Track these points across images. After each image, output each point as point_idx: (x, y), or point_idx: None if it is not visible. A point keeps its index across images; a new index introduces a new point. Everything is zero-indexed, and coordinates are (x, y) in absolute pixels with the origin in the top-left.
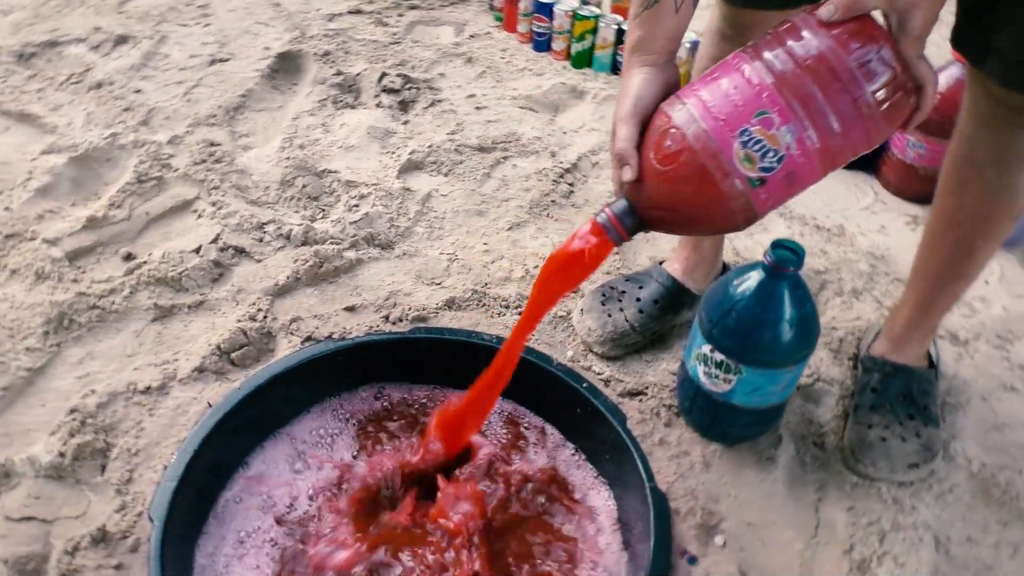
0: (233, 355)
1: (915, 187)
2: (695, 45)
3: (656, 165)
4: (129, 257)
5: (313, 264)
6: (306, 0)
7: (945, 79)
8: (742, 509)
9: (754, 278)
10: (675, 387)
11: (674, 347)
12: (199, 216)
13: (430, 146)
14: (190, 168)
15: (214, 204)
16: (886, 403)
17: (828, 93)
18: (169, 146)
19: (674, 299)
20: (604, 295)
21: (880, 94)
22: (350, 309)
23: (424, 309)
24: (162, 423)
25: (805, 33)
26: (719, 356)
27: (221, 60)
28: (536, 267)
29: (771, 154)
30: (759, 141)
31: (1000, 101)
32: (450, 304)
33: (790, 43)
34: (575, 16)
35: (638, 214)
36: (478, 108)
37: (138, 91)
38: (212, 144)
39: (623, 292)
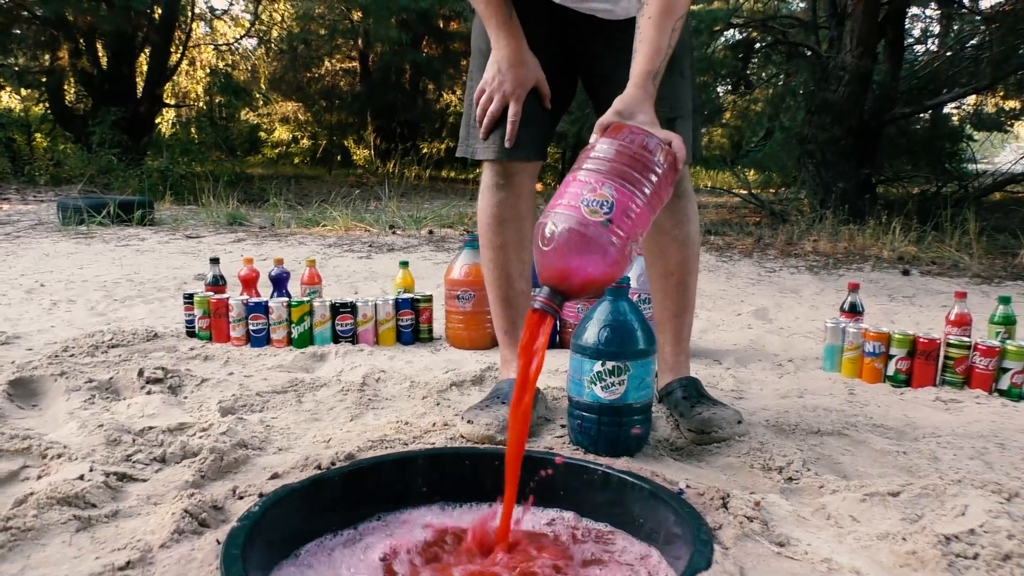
0: (202, 516)
1: None
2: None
3: (547, 250)
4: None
5: (213, 460)
6: None
7: None
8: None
9: (606, 304)
10: (571, 439)
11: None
12: (40, 477)
13: (233, 395)
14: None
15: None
16: (695, 398)
17: (623, 160)
18: None
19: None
20: (481, 405)
21: (651, 147)
22: (275, 476)
23: (352, 451)
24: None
25: (596, 145)
26: (610, 364)
27: None
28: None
29: (605, 203)
30: (593, 200)
31: None
32: (373, 445)
33: (591, 153)
34: (291, 304)
35: (557, 291)
36: (247, 377)
37: None
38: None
39: (493, 399)
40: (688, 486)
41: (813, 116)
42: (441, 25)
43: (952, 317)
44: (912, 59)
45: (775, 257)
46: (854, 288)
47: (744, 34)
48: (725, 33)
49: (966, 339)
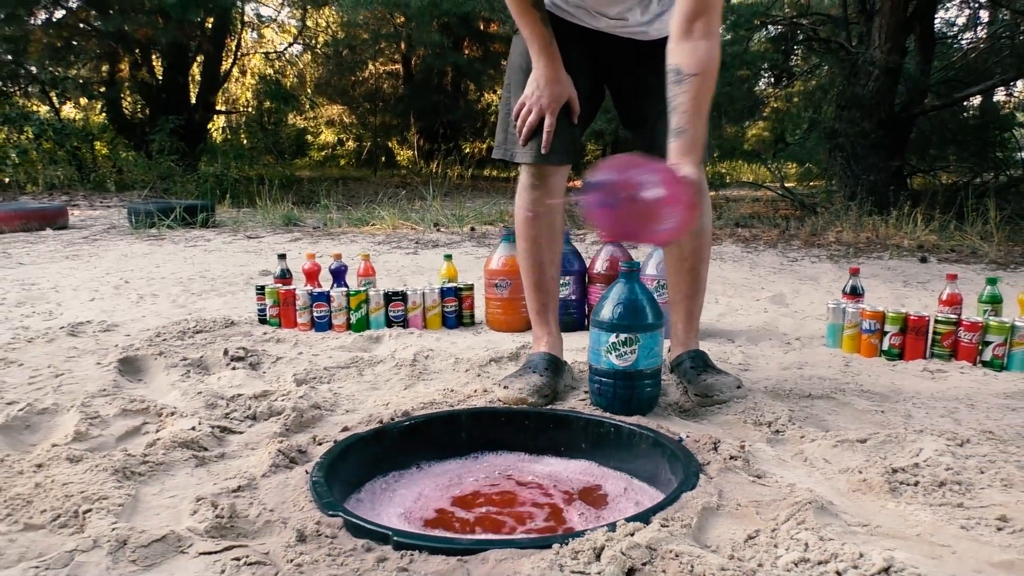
0: (292, 455)
1: None
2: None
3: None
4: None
5: (295, 417)
6: None
7: (605, 253)
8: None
9: (619, 285)
10: (591, 400)
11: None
12: (159, 430)
13: (304, 370)
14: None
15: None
16: (700, 367)
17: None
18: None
19: (555, 364)
20: (516, 374)
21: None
22: (346, 429)
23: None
24: (279, 496)
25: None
26: (623, 335)
27: None
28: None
29: None
30: None
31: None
32: (425, 406)
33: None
34: (349, 294)
35: None
36: (315, 356)
37: None
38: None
39: (525, 369)
40: (688, 435)
41: (843, 111)
42: (481, 27)
43: (944, 297)
44: (946, 51)
45: (799, 247)
46: (855, 272)
47: (786, 24)
48: (768, 26)
49: (952, 316)
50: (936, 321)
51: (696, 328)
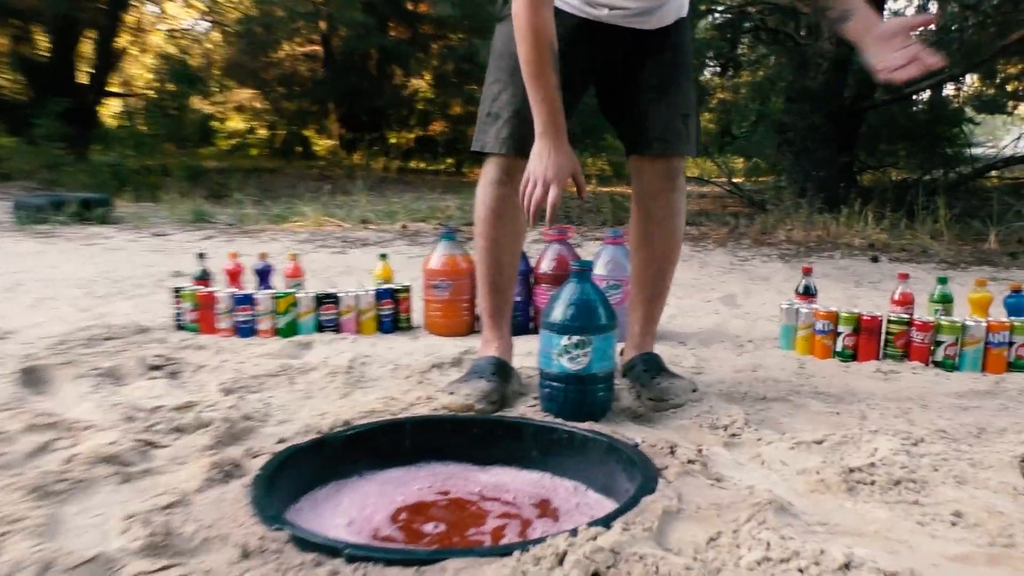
0: (226, 469)
1: None
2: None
3: None
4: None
5: (226, 429)
6: None
7: (552, 252)
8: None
9: (571, 284)
10: (541, 407)
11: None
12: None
13: (231, 378)
14: None
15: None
16: (655, 370)
17: None
18: None
19: (503, 369)
20: (462, 380)
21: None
22: (282, 441)
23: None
24: (216, 511)
25: None
26: (576, 338)
27: None
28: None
29: None
30: None
31: (660, 174)
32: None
33: None
34: (276, 296)
35: None
36: (241, 363)
37: None
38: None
39: (472, 374)
40: (643, 440)
41: (792, 103)
42: (409, 7)
43: (896, 297)
44: None
45: (749, 246)
46: (807, 272)
47: (733, 12)
48: (714, 13)
49: (905, 316)
50: (889, 321)
51: (653, 332)
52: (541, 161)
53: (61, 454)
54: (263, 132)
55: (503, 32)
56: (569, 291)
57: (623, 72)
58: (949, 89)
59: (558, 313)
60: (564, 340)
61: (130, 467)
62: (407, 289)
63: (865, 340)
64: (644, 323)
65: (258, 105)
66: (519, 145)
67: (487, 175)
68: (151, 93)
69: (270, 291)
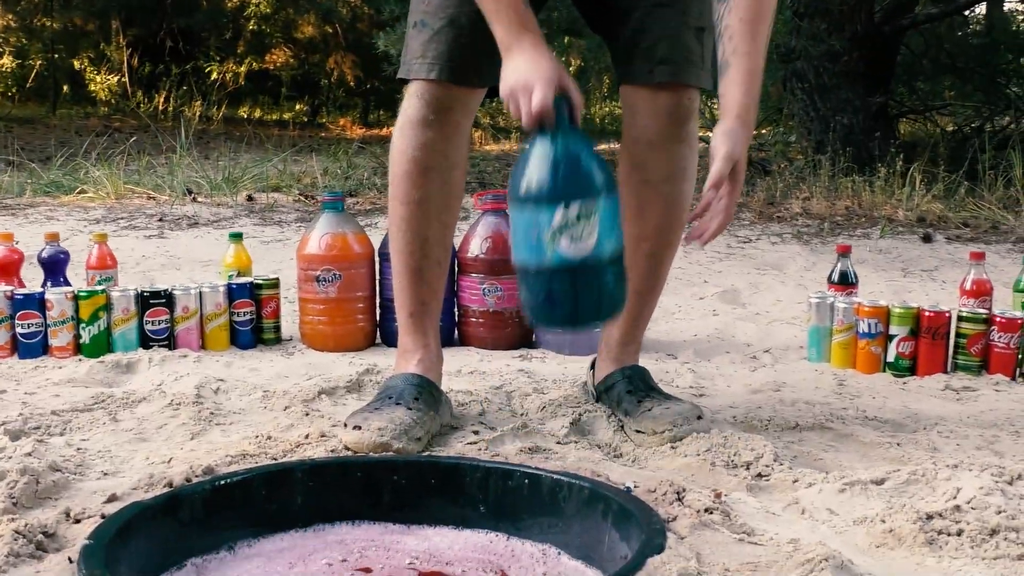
0: (37, 539)
1: (511, 333)
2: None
3: None
4: None
5: (26, 484)
6: None
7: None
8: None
9: (542, 142)
10: (537, 320)
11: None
12: None
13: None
14: None
15: None
16: (642, 391)
17: None
18: None
19: (429, 392)
20: (370, 408)
21: None
22: (114, 499)
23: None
24: None
25: None
26: (575, 208)
27: None
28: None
29: None
30: None
31: (663, 114)
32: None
33: None
34: (78, 296)
35: None
36: (30, 394)
37: None
38: None
39: (384, 400)
40: (636, 484)
41: (802, 21)
42: None
43: (968, 286)
44: None
45: (751, 222)
46: (844, 252)
47: None
48: None
49: (981, 311)
50: (959, 319)
51: (638, 340)
52: (516, 71)
53: None
54: (8, 63)
55: None
56: (543, 149)
57: None
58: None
59: (539, 178)
60: (559, 214)
61: None
62: (274, 284)
63: (927, 346)
64: (627, 327)
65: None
66: (455, 68)
67: (407, 112)
68: None
69: (66, 288)
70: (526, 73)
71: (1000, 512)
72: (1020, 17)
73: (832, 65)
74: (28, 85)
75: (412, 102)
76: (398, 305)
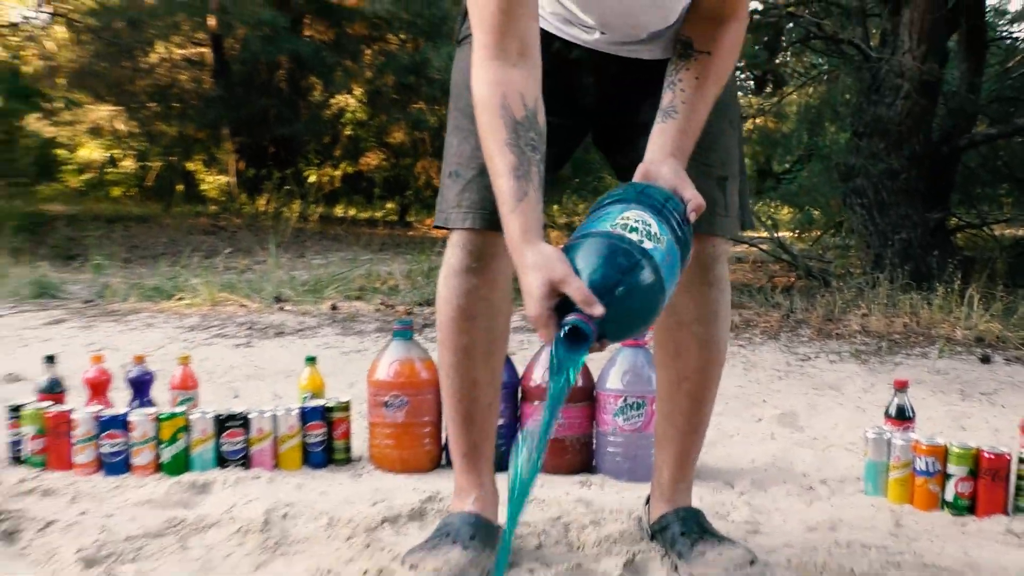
0: None
1: (571, 459)
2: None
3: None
4: None
5: None
6: None
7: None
8: None
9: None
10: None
11: None
12: None
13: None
14: None
15: None
16: (696, 534)
17: None
18: None
19: (485, 530)
20: (427, 546)
21: None
22: None
23: None
24: None
25: None
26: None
27: None
28: None
29: None
30: None
31: (693, 260)
32: None
33: None
34: (159, 418)
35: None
36: (108, 516)
37: None
38: None
39: (441, 537)
40: None
41: (861, 140)
42: (333, 0)
43: None
44: (1001, 54)
45: (810, 339)
46: (901, 387)
47: (774, 13)
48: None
49: None
50: (1021, 460)
51: (690, 478)
52: (519, 274)
53: None
54: (129, 164)
55: (462, 60)
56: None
57: (625, 109)
58: None
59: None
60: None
61: None
62: (346, 407)
63: (987, 487)
64: (677, 466)
65: (121, 127)
66: (490, 215)
67: (450, 261)
68: None
69: (150, 410)
70: (522, 284)
71: None
72: None
73: (891, 183)
74: (147, 185)
75: (454, 251)
76: (452, 447)
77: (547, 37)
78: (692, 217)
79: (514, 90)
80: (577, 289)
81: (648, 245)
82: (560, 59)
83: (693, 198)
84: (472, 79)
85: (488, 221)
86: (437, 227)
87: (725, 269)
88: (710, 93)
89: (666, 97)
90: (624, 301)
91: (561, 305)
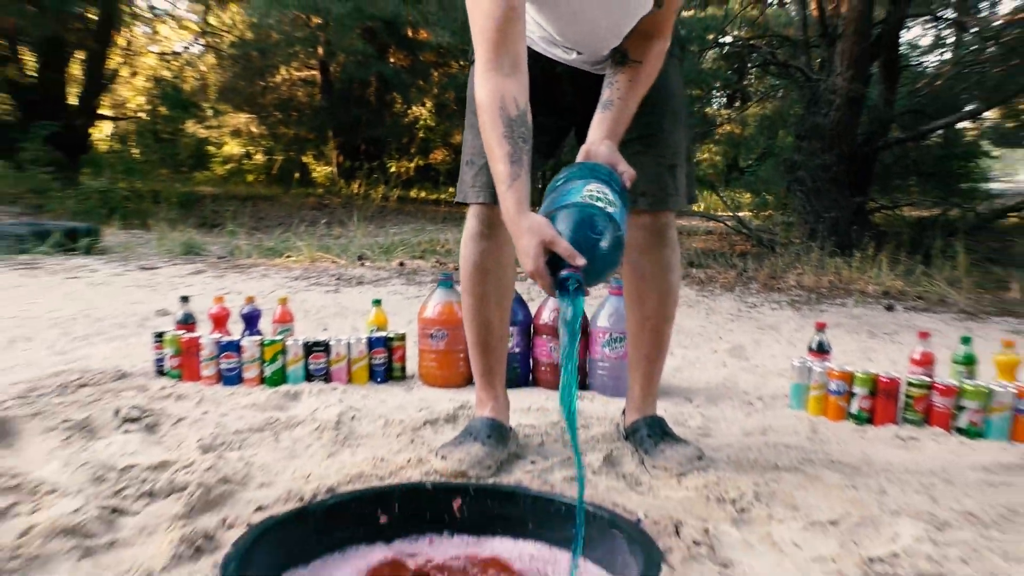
0: (197, 543)
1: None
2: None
3: None
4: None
5: (200, 495)
6: None
7: (555, 302)
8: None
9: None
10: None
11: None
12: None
13: (211, 433)
14: None
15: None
16: (658, 436)
17: None
18: None
19: (499, 431)
20: (455, 442)
21: None
22: (260, 509)
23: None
24: None
25: None
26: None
27: None
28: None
29: None
30: None
31: (647, 230)
32: (352, 480)
33: None
34: (263, 343)
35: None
36: (223, 415)
37: None
38: None
39: (466, 436)
40: (646, 515)
41: (803, 142)
42: (409, 34)
43: (916, 356)
44: (911, 77)
45: (757, 291)
46: (821, 328)
47: (740, 45)
48: (720, 40)
49: (925, 378)
50: (908, 384)
51: (654, 393)
52: (515, 241)
53: (19, 523)
54: (259, 158)
55: (472, 76)
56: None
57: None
58: (965, 122)
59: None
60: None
61: (93, 539)
62: (402, 338)
63: (882, 403)
64: (644, 384)
65: (255, 130)
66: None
67: (468, 228)
68: (144, 116)
69: (257, 337)
70: (518, 246)
71: (929, 559)
72: (970, 133)
73: (824, 175)
74: (272, 173)
75: (470, 221)
76: (473, 367)
77: (536, 56)
78: (627, 184)
79: (509, 95)
80: (564, 247)
81: (611, 210)
82: (547, 73)
83: (627, 171)
84: (475, 87)
85: (495, 197)
86: (457, 203)
87: (674, 233)
88: (639, 91)
89: (604, 93)
90: (599, 251)
91: (551, 260)
